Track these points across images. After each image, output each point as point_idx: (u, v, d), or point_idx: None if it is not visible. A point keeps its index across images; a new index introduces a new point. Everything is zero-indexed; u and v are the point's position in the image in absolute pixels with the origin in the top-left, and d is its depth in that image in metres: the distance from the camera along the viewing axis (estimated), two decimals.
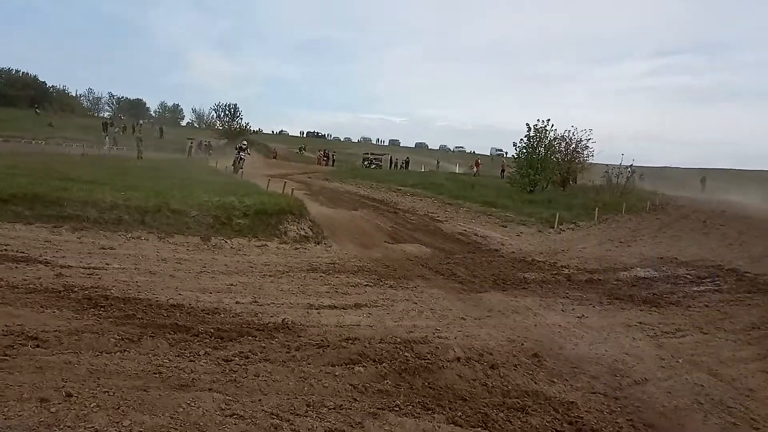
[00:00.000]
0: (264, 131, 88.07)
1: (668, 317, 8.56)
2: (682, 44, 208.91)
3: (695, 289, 10.78)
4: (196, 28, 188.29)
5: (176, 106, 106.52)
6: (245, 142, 33.61)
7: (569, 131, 28.33)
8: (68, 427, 3.61)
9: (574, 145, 28.45)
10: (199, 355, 5.29)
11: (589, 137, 28.45)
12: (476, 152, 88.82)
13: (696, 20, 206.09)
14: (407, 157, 58.45)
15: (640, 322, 8.15)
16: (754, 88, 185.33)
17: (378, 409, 4.57)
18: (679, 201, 26.28)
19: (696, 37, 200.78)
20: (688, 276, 11.99)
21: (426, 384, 5.20)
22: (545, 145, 26.53)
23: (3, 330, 5.17)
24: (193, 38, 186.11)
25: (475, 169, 50.20)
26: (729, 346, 7.30)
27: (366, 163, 53.14)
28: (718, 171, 50.43)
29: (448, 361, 5.70)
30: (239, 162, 30.08)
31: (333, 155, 56.07)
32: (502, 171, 43.58)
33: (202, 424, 3.95)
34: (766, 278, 11.81)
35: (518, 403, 5.00)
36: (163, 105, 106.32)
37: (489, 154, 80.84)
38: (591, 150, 28.71)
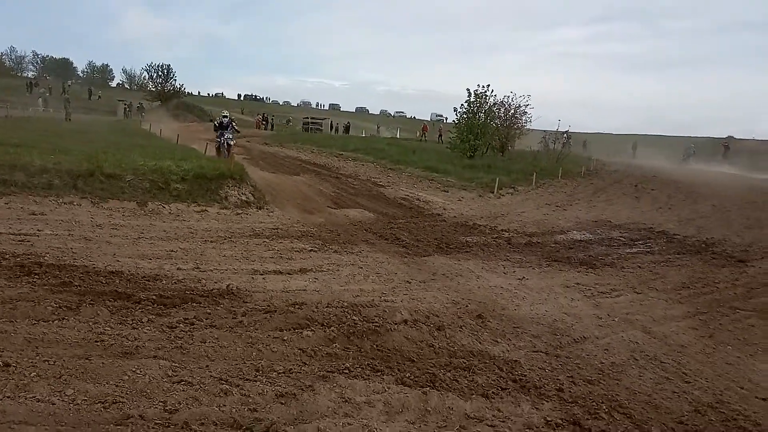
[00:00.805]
0: (200, 94, 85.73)
1: (604, 278, 8.91)
2: (617, 11, 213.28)
3: (628, 250, 11.23)
4: None
5: (105, 66, 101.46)
6: (225, 113, 19.93)
7: (508, 97, 28.59)
8: (8, 397, 3.48)
9: (512, 111, 28.79)
10: (142, 322, 5.16)
11: (527, 103, 28.81)
12: (416, 117, 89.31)
13: None
14: (348, 122, 58.07)
15: (578, 283, 8.45)
16: (685, 56, 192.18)
17: (328, 372, 4.59)
18: (612, 166, 27.16)
19: (631, 4, 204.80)
20: (621, 238, 12.46)
21: (374, 346, 5.26)
22: (485, 110, 26.73)
23: None
24: None
25: (419, 133, 50.65)
26: (661, 304, 7.67)
27: (304, 127, 52.57)
28: (649, 137, 52.23)
29: (396, 324, 5.76)
30: (225, 146, 18.37)
31: (273, 119, 55.03)
32: (440, 136, 44.34)
33: (149, 391, 3.88)
34: (693, 240, 12.42)
35: (464, 363, 5.12)
36: (91, 65, 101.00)
37: (429, 119, 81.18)
38: (529, 116, 29.12)
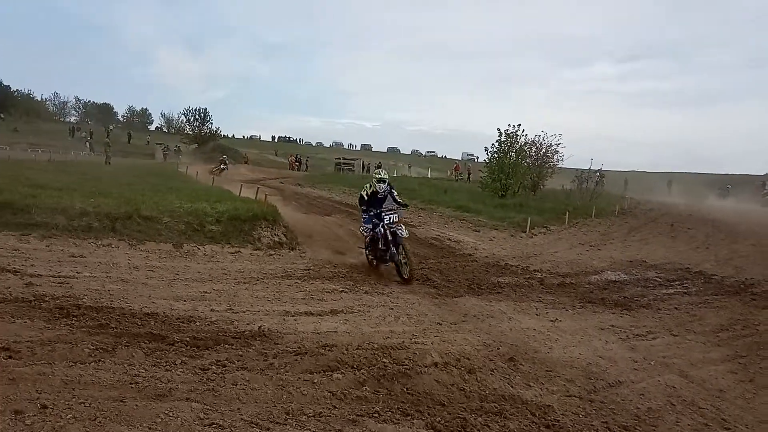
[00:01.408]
0: (234, 136, 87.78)
1: (639, 320, 8.72)
2: (649, 49, 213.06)
3: (665, 291, 10.99)
4: (163, 28, 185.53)
5: (144, 110, 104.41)
6: (383, 174, 11.04)
7: (539, 136, 28.72)
8: None
9: (544, 150, 28.83)
10: (176, 364, 5.23)
11: (558, 142, 28.84)
12: (447, 156, 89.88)
13: (662, 25, 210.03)
14: (379, 162, 58.64)
15: (612, 325, 8.29)
16: (717, 91, 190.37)
17: (357, 415, 4.58)
18: (647, 205, 26.80)
19: (663, 42, 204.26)
20: (657, 279, 12.22)
21: (404, 390, 5.23)
22: (516, 150, 26.80)
23: None
24: (159, 40, 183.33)
25: (450, 173, 51.13)
26: (699, 347, 7.47)
27: (336, 168, 53.41)
28: (684, 174, 51.48)
29: (426, 367, 5.73)
30: (389, 242, 10.35)
31: (307, 161, 56.04)
32: (468, 174, 44.87)
33: None
34: (732, 280, 12.11)
35: (496, 408, 5.05)
36: (131, 109, 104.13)
37: (460, 158, 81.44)
38: (561, 154, 29.11)
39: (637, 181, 43.41)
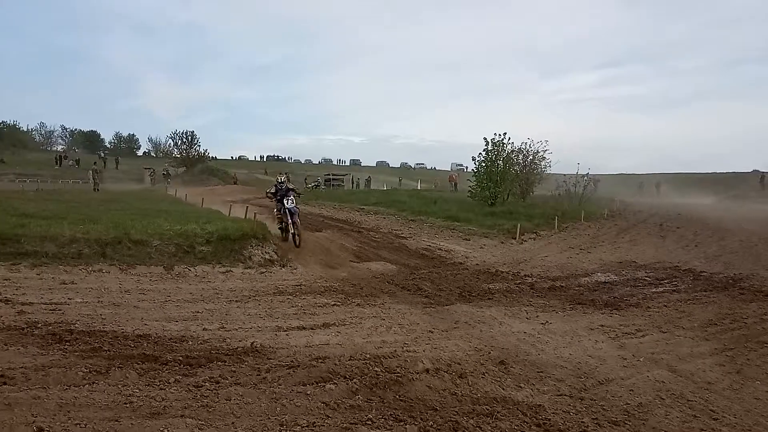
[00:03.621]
0: (222, 157, 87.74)
1: (629, 319, 8.83)
2: (625, 55, 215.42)
3: (654, 290, 11.12)
4: (146, 55, 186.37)
5: (131, 136, 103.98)
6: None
7: (526, 143, 29.01)
8: None
9: (531, 157, 29.12)
10: (169, 382, 5.27)
11: (545, 148, 29.15)
12: (436, 168, 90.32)
13: (637, 31, 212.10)
14: (369, 177, 58.91)
15: (602, 325, 8.39)
16: (692, 94, 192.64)
17: (351, 424, 4.63)
18: (635, 206, 27.05)
19: (638, 48, 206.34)
20: (646, 278, 12.35)
21: (397, 397, 5.28)
22: (503, 158, 27.01)
23: None
24: (144, 66, 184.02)
25: (437, 185, 51.60)
26: (687, 342, 7.57)
27: (326, 184, 53.49)
28: (668, 175, 51.94)
29: (418, 373, 5.79)
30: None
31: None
32: (455, 184, 45.74)
33: None
34: (720, 276, 12.27)
35: (487, 410, 5.12)
36: (118, 135, 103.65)
37: (450, 169, 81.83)
38: (548, 161, 29.41)
39: (624, 184, 43.84)
